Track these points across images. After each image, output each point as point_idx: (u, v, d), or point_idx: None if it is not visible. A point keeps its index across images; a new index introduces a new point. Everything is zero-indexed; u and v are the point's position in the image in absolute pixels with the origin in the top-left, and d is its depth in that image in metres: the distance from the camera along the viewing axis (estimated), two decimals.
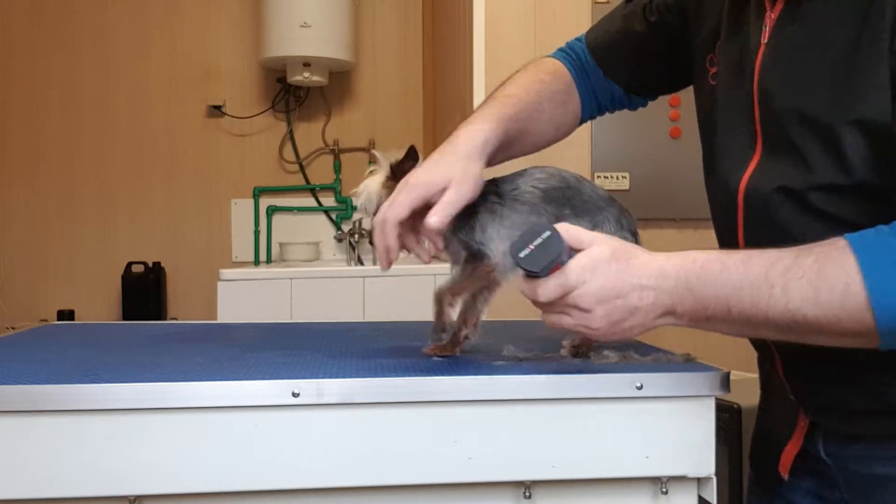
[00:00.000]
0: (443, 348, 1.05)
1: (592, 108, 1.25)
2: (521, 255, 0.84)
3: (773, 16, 0.94)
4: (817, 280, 0.78)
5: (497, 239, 1.02)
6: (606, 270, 0.83)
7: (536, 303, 0.87)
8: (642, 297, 0.83)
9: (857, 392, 0.93)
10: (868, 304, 0.77)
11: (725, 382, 0.94)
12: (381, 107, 3.61)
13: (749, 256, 0.82)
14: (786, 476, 1.03)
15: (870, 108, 0.83)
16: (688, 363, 1.00)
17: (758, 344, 1.06)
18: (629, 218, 1.08)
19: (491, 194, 1.04)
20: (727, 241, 1.01)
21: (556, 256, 0.83)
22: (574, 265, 0.83)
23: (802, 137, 0.88)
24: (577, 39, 1.26)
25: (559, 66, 1.21)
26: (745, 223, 0.96)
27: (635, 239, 1.06)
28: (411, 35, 3.61)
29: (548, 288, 0.84)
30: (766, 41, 0.94)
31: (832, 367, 0.92)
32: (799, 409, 1.01)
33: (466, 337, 1.06)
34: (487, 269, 1.03)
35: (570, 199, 1.04)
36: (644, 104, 1.28)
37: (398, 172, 1.03)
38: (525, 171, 1.06)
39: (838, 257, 0.78)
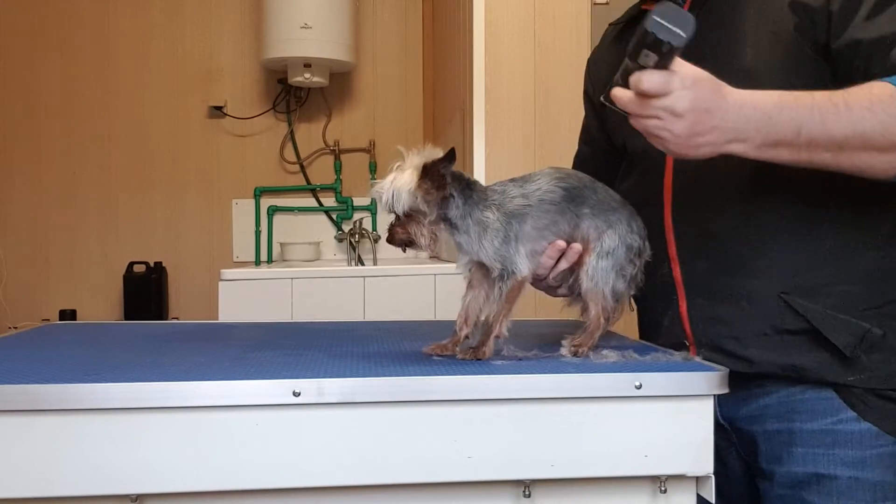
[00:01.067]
0: (443, 348, 1.06)
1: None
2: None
3: None
4: (869, 95, 0.94)
5: (524, 247, 1.02)
6: (706, 86, 0.92)
7: (628, 108, 0.94)
8: (724, 119, 0.93)
9: (758, 312, 1.04)
10: None
11: (724, 381, 0.94)
12: (382, 107, 3.61)
13: (810, 91, 0.96)
14: None
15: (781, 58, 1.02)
16: (687, 362, 1.01)
17: (658, 298, 1.15)
18: (639, 222, 1.09)
19: (517, 196, 1.03)
20: (653, 185, 1.13)
21: (688, 32, 0.87)
22: (681, 70, 0.91)
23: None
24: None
25: None
26: (674, 170, 1.10)
27: (644, 243, 1.07)
28: (411, 36, 3.62)
29: (653, 79, 0.90)
30: None
31: (737, 289, 1.06)
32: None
33: (466, 336, 1.06)
34: (519, 285, 1.02)
35: (587, 199, 1.06)
36: None
37: (432, 173, 0.97)
38: (541, 171, 1.06)
39: (880, 83, 0.95)
